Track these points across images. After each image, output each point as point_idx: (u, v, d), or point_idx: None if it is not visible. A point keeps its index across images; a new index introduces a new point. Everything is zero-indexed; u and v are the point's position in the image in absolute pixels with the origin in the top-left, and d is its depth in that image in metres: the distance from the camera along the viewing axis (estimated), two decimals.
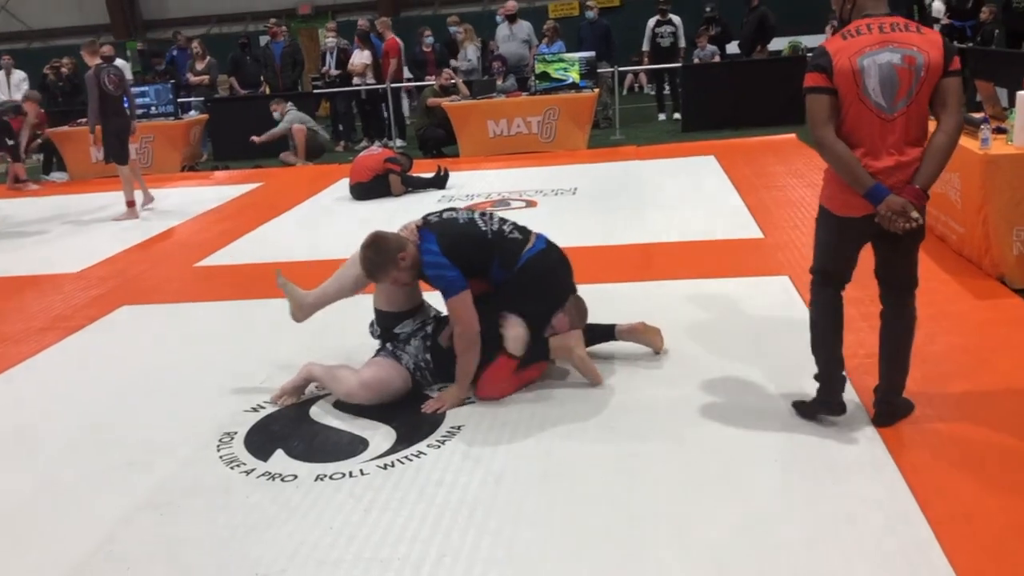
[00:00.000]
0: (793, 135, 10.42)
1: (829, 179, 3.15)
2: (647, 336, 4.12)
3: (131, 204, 8.91)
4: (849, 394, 3.46)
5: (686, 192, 7.98)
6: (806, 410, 3.40)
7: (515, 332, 3.70)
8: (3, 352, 4.93)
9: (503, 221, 3.92)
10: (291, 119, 11.53)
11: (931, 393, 3.49)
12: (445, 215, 3.89)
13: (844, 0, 3.11)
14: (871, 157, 3.00)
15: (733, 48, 13.63)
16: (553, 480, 3.08)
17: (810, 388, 3.44)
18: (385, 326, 3.93)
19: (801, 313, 4.48)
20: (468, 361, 3.72)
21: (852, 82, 2.96)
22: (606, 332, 4.10)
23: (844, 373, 3.33)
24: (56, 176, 12.35)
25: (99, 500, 3.18)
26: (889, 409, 3.30)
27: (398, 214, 7.80)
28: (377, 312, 3.96)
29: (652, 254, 5.95)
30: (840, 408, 3.32)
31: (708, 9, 13.46)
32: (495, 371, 3.73)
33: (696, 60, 12.88)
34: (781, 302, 4.74)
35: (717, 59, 12.87)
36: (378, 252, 3.66)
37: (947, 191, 5.33)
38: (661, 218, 6.98)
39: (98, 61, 8.79)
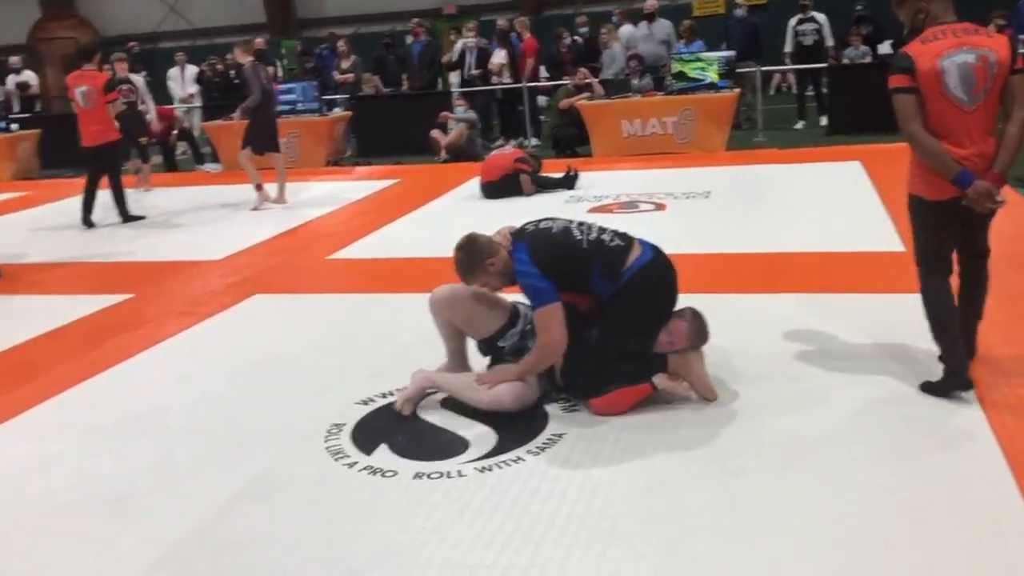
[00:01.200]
0: None
1: (917, 168, 3.55)
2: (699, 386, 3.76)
3: (260, 187, 9.28)
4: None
5: (826, 199, 7.63)
6: (935, 388, 3.58)
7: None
8: (143, 334, 5.20)
9: (602, 230, 3.78)
10: (471, 118, 11.79)
11: None
12: (541, 224, 3.78)
13: (916, 11, 3.54)
14: (955, 146, 3.41)
15: (886, 48, 12.94)
16: (652, 497, 2.97)
17: (944, 419, 3.32)
18: (488, 345, 3.88)
19: None
20: (536, 365, 3.66)
21: (935, 81, 3.40)
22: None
23: (964, 350, 3.62)
24: (210, 166, 13.01)
25: (206, 484, 3.29)
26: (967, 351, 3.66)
27: (526, 213, 7.78)
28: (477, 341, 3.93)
29: (780, 264, 5.71)
30: (967, 384, 3.53)
31: (859, 7, 12.84)
32: (626, 395, 3.62)
33: (846, 60, 12.31)
34: (918, 323, 4.40)
35: (868, 59, 12.26)
36: (469, 254, 3.66)
37: None
38: (795, 226, 6.69)
39: (251, 59, 9.21)
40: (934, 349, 3.63)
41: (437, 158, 11.67)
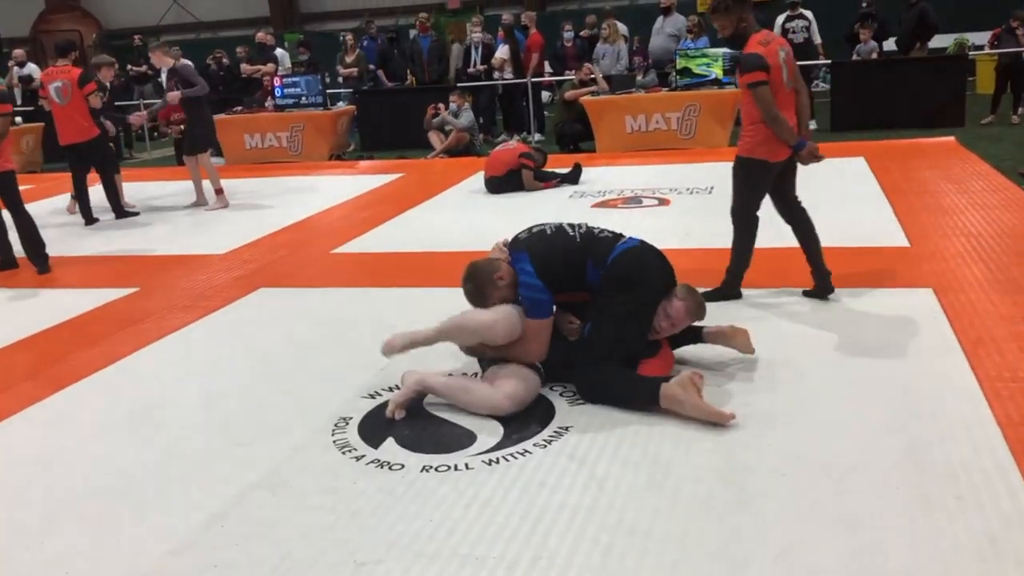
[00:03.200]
0: (951, 138, 9.82)
1: (764, 138, 4.52)
2: (736, 340, 3.97)
3: (220, 192, 9.20)
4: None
5: (830, 195, 7.58)
6: (714, 295, 4.68)
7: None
8: (147, 328, 5.22)
9: (591, 226, 3.91)
10: (468, 120, 11.70)
11: None
12: (534, 230, 3.89)
13: (739, 21, 4.49)
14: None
15: (889, 45, 12.97)
16: (657, 489, 2.99)
17: (949, 411, 3.32)
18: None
19: (943, 329, 4.23)
20: (499, 349, 3.72)
21: (779, 72, 4.47)
22: (693, 334, 3.98)
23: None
24: (213, 160, 13.02)
25: (216, 477, 3.31)
26: (824, 284, 4.81)
27: (529, 208, 7.83)
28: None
29: (785, 259, 5.70)
30: (739, 294, 4.84)
31: (864, 4, 12.82)
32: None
33: (856, 56, 12.31)
34: (921, 316, 4.45)
35: (875, 55, 12.25)
36: (475, 280, 3.80)
37: None
38: None
39: (171, 60, 9.00)
40: (935, 339, 3.74)
41: (430, 154, 11.72)
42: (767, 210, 7.15)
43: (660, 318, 3.73)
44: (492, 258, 3.89)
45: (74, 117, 8.51)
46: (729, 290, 4.84)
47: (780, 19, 12.31)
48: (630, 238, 3.87)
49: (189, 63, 9.00)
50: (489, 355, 3.83)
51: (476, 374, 4.02)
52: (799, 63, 12.05)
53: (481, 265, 3.83)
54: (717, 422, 3.39)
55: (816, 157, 4.56)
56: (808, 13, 12.21)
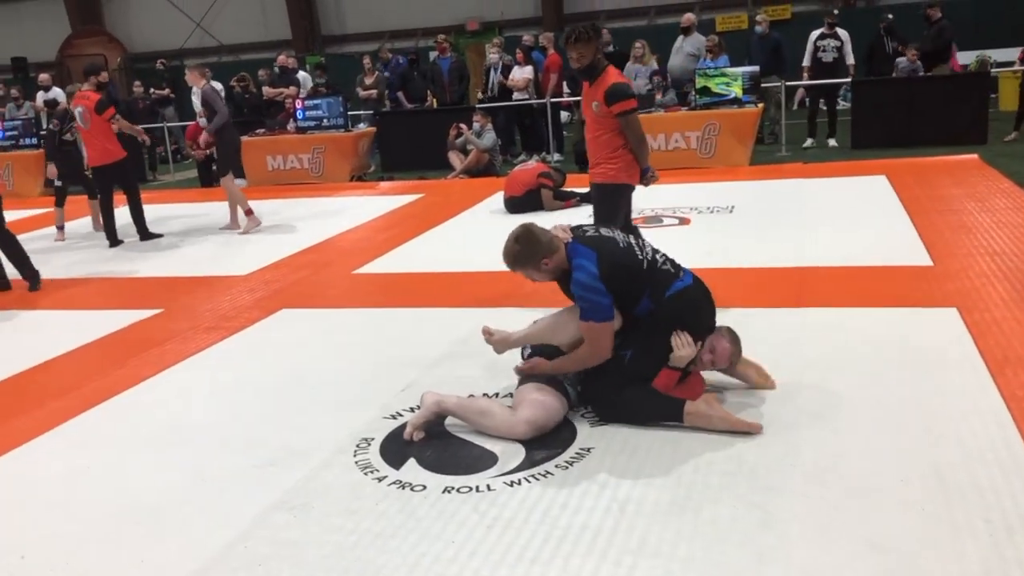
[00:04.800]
0: (975, 155, 9.75)
1: (627, 164, 4.85)
2: (758, 382, 3.90)
3: (249, 212, 9.16)
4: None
5: (851, 213, 7.60)
6: None
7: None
8: (171, 349, 5.26)
9: (655, 251, 3.81)
10: (490, 141, 11.71)
11: None
12: (603, 232, 3.76)
13: (595, 52, 4.73)
14: None
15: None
16: (680, 511, 2.97)
17: (973, 428, 3.26)
18: (547, 352, 3.80)
19: (968, 349, 4.19)
20: (572, 368, 3.70)
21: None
22: None
23: None
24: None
25: (239, 497, 3.32)
26: None
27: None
28: (551, 346, 3.79)
29: (806, 279, 5.69)
30: None
31: (887, 20, 12.75)
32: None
33: (896, 73, 12.30)
34: (945, 336, 4.41)
35: (921, 74, 12.21)
36: (524, 248, 3.65)
37: None
38: (821, 240, 6.67)
39: (205, 82, 9.09)
40: (960, 359, 3.69)
41: (450, 174, 11.76)
42: (783, 231, 7.21)
43: (704, 351, 3.72)
44: (553, 236, 3.65)
45: (99, 140, 8.70)
46: None
47: (813, 36, 12.23)
48: (686, 273, 3.77)
49: (210, 88, 9.08)
50: (546, 370, 3.74)
51: (497, 394, 4.03)
52: (828, 81, 12.21)
53: (540, 239, 3.62)
54: (747, 431, 3.44)
55: (654, 178, 5.03)
56: (843, 33, 12.11)
